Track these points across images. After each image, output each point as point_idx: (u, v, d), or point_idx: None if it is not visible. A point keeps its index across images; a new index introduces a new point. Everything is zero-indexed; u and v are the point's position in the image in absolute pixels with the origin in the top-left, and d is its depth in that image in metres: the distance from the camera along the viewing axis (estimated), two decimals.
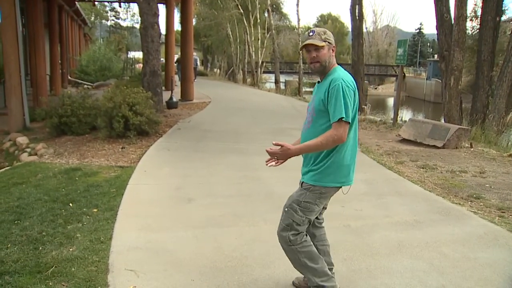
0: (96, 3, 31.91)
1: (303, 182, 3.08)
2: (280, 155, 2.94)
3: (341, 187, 3.06)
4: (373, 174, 7.00)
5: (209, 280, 3.50)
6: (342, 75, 2.92)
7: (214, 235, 4.43)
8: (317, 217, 3.25)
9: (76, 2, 23.93)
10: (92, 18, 50.71)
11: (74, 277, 3.47)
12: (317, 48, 2.96)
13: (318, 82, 3.12)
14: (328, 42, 2.99)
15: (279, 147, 2.91)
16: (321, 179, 2.98)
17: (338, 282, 3.39)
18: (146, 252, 3.97)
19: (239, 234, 4.45)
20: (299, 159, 3.14)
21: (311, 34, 3.01)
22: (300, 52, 28.56)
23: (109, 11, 60.20)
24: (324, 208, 3.28)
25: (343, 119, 2.81)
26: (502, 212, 5.41)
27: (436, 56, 50.52)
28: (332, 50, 3.03)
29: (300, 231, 3.05)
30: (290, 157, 2.96)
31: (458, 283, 3.59)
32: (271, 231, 4.53)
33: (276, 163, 3.03)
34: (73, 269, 3.61)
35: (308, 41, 2.98)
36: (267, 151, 2.96)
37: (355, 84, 2.96)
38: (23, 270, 3.57)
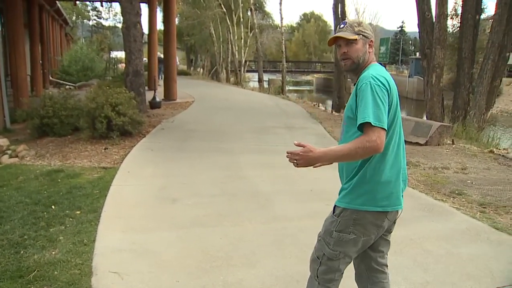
0: (77, 2, 31.50)
1: (335, 205, 2.49)
2: (301, 158, 2.29)
3: (384, 211, 2.39)
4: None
5: (194, 281, 3.48)
6: (372, 73, 2.34)
7: (199, 235, 4.41)
8: (375, 257, 2.61)
9: (57, 2, 23.62)
10: (74, 18, 50.12)
11: (57, 280, 3.43)
12: (348, 42, 2.43)
13: (354, 84, 2.48)
14: (363, 36, 2.45)
15: (301, 148, 2.31)
16: (352, 200, 2.39)
17: None
18: (130, 254, 3.94)
19: (224, 234, 4.43)
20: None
21: (341, 26, 2.50)
22: (284, 51, 28.82)
23: (90, 11, 59.65)
24: (387, 240, 2.65)
25: (371, 123, 2.19)
26: (483, 207, 5.49)
27: (418, 54, 51.02)
28: (369, 45, 2.49)
29: (332, 267, 2.49)
30: (312, 164, 2.33)
31: (441, 278, 3.63)
32: (256, 231, 4.56)
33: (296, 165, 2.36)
34: (55, 272, 3.57)
35: (337, 34, 2.47)
36: (287, 152, 2.33)
37: (391, 83, 2.36)
38: (3, 275, 3.51)
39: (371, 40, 2.50)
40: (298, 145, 2.31)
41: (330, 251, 2.45)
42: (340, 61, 2.51)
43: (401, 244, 4.26)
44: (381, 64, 2.58)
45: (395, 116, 2.37)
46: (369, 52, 2.48)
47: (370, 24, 69.27)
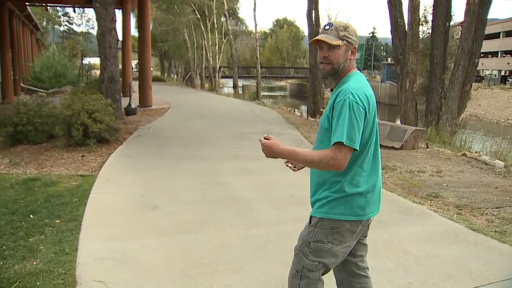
0: (48, 7, 31.06)
1: (311, 216, 2.49)
2: (265, 148, 2.38)
3: (359, 221, 2.44)
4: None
5: None
6: (352, 86, 2.31)
7: (182, 242, 4.40)
8: (355, 262, 2.65)
9: (28, 7, 23.24)
10: (44, 23, 49.39)
11: None
12: (331, 46, 2.35)
13: (331, 90, 2.49)
14: (347, 41, 2.37)
15: (264, 140, 2.39)
16: (330, 210, 2.41)
17: None
18: (114, 262, 3.90)
19: (207, 241, 4.43)
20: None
21: (327, 27, 2.40)
22: (258, 57, 28.97)
23: (61, 16, 58.89)
24: (364, 244, 2.70)
25: (343, 143, 2.21)
26: (460, 209, 5.61)
27: (389, 59, 51.95)
28: (352, 51, 2.41)
29: (313, 278, 2.48)
30: (275, 156, 2.40)
31: (423, 279, 3.70)
32: (238, 237, 4.57)
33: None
34: (38, 283, 3.51)
35: (320, 36, 2.37)
36: (260, 140, 2.41)
37: (370, 98, 2.34)
38: None
39: (355, 47, 2.42)
40: (266, 137, 2.39)
41: (309, 262, 2.45)
42: (320, 64, 2.45)
43: (382, 247, 4.33)
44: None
45: (371, 131, 2.37)
46: (350, 59, 2.41)
47: None
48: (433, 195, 6.20)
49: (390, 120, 18.61)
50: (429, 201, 5.95)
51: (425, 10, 26.17)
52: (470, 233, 4.76)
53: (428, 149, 9.57)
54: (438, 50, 13.51)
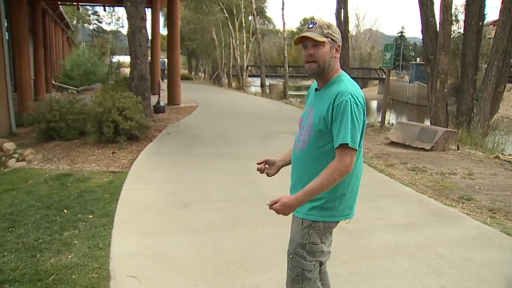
0: (79, 6, 31.60)
1: (302, 219, 2.48)
2: (281, 209, 2.35)
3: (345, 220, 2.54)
4: (364, 177, 7.01)
5: (212, 285, 3.51)
6: (351, 88, 2.32)
7: (213, 239, 4.43)
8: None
9: (60, 6, 23.69)
10: (75, 22, 50.29)
11: (76, 284, 3.45)
12: (316, 43, 2.34)
13: (316, 90, 2.52)
14: (331, 39, 2.36)
15: (274, 204, 2.36)
16: (324, 213, 2.44)
17: (340, 285, 3.43)
18: (147, 258, 3.96)
19: (238, 239, 4.45)
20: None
21: (310, 26, 2.38)
22: (285, 56, 28.89)
23: (91, 15, 59.91)
24: None
25: (348, 145, 2.26)
26: (493, 213, 5.51)
27: (418, 59, 51.21)
28: (336, 50, 2.40)
29: (313, 278, 2.53)
30: (294, 208, 2.39)
31: (457, 283, 3.65)
32: (269, 235, 4.58)
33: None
34: (74, 276, 3.58)
35: (304, 33, 2.36)
36: (272, 208, 2.40)
37: (364, 100, 2.38)
38: (22, 278, 3.53)
39: (339, 45, 2.41)
40: (271, 203, 2.36)
41: (307, 263, 2.48)
42: (305, 63, 2.42)
43: (414, 249, 4.29)
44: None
45: (363, 131, 2.40)
46: (335, 57, 2.40)
47: (370, 29, 69.73)
48: (465, 197, 6.09)
49: (418, 121, 18.36)
50: (461, 204, 5.86)
51: (456, 9, 25.63)
52: (505, 238, 4.66)
53: (459, 151, 9.41)
54: (470, 50, 13.27)
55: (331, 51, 2.37)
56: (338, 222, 2.51)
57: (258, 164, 2.79)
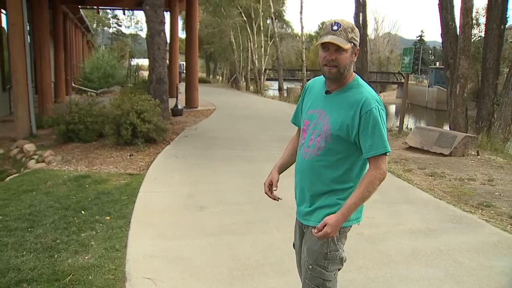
0: (99, 10, 31.98)
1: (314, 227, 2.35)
2: (332, 231, 2.26)
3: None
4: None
5: None
6: (373, 95, 2.28)
7: (229, 243, 4.43)
8: None
9: (81, 10, 24.03)
10: (94, 25, 50.94)
11: (92, 285, 3.48)
12: (339, 49, 2.22)
13: (327, 92, 2.38)
14: (354, 44, 2.26)
15: (322, 229, 2.27)
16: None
17: None
18: (162, 260, 3.97)
19: (254, 242, 4.45)
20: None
21: (335, 28, 2.23)
22: (303, 60, 28.88)
23: (111, 18, 60.65)
24: None
25: (386, 153, 2.26)
26: None
27: (438, 63, 50.73)
28: (355, 54, 2.31)
29: (334, 286, 2.45)
30: (340, 225, 2.29)
31: None
32: (284, 239, 4.54)
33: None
34: (90, 277, 3.61)
35: (330, 39, 2.21)
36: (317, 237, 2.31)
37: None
38: (40, 278, 3.57)
39: (358, 49, 2.33)
40: (318, 230, 2.27)
41: (328, 273, 2.39)
42: (323, 66, 2.30)
43: (431, 256, 4.23)
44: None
45: None
46: (353, 61, 2.33)
47: (389, 33, 69.21)
48: (485, 204, 6.00)
49: (437, 126, 18.17)
50: (480, 210, 5.77)
51: (477, 12, 25.32)
52: None
53: (478, 157, 9.27)
54: (492, 54, 13.07)
55: (351, 56, 2.28)
56: (351, 226, 2.45)
57: (267, 193, 2.71)
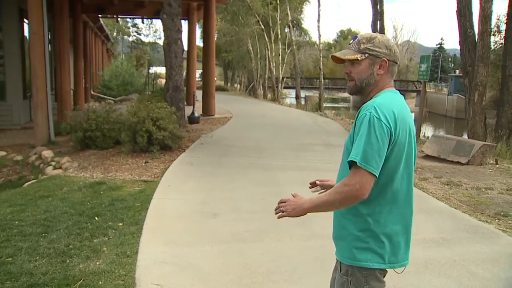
0: (119, 19, 32.42)
1: (340, 262, 2.14)
2: (290, 204, 2.09)
3: (391, 268, 2.12)
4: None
5: None
6: (377, 102, 2.01)
7: (240, 250, 4.43)
8: None
9: (100, 19, 24.39)
10: (115, 34, 51.65)
11: None
12: (353, 61, 2.11)
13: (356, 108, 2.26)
14: (371, 55, 2.08)
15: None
16: (355, 255, 2.06)
17: None
18: (173, 267, 3.99)
19: (265, 250, 4.44)
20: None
21: (351, 41, 2.17)
22: (321, 68, 28.80)
23: (131, 27, 61.45)
24: None
25: (357, 163, 1.91)
26: None
27: (457, 71, 50.19)
28: (381, 65, 2.09)
29: None
30: (300, 212, 2.07)
31: None
32: (297, 247, 4.54)
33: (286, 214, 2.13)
34: (100, 282, 3.64)
35: (336, 53, 2.17)
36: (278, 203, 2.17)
37: (399, 118, 1.99)
38: (51, 282, 3.61)
39: (384, 60, 2.09)
40: (276, 208, 2.14)
41: None
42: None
43: (444, 266, 4.17)
44: (400, 92, 2.21)
45: (402, 156, 2.02)
46: (379, 74, 2.09)
47: (409, 41, 68.79)
48: (502, 214, 5.89)
49: (457, 134, 17.96)
50: (497, 220, 5.67)
51: (498, 19, 25.00)
52: None
53: (497, 166, 9.13)
54: (511, 62, 12.90)
55: (370, 68, 2.08)
56: (382, 270, 2.09)
57: (311, 184, 2.53)
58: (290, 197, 2.13)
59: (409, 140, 2.05)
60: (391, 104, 2.01)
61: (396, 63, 2.15)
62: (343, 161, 2.13)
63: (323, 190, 2.44)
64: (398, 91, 2.17)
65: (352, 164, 1.94)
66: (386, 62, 2.09)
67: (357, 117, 2.02)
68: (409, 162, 2.08)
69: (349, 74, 2.14)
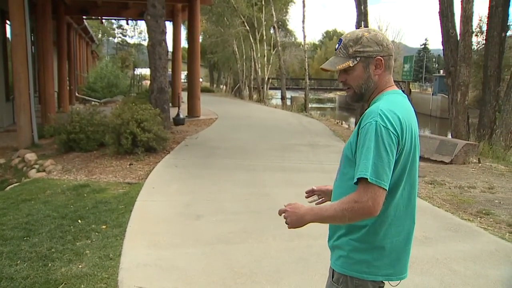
0: (103, 20, 32.22)
1: (333, 270, 2.02)
2: (290, 216, 1.98)
3: (388, 281, 2.00)
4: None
5: None
6: (382, 107, 1.83)
7: (224, 252, 4.42)
8: None
9: (84, 20, 24.21)
10: (100, 36, 51.30)
11: None
12: (346, 69, 1.96)
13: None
14: (362, 57, 1.93)
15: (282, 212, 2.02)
16: (350, 266, 1.95)
17: None
18: (156, 269, 3.97)
19: (248, 251, 4.44)
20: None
21: (336, 46, 2.00)
22: (306, 69, 28.88)
23: (116, 29, 61.09)
24: None
25: (367, 179, 1.74)
26: None
27: (441, 71, 50.66)
28: (376, 65, 1.94)
29: None
30: (300, 222, 1.97)
31: None
32: (280, 248, 4.55)
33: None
34: (82, 286, 3.62)
35: (323, 65, 2.02)
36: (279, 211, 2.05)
37: (405, 122, 1.84)
38: (33, 286, 3.58)
39: (378, 58, 1.93)
40: (280, 212, 2.03)
41: None
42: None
43: (427, 264, 4.20)
44: (403, 91, 2.09)
45: (406, 166, 1.88)
46: (376, 74, 1.95)
47: (393, 41, 69.21)
48: (484, 212, 5.97)
49: (441, 134, 18.14)
50: (479, 218, 5.74)
51: (480, 20, 25.33)
52: None
53: (480, 164, 9.23)
54: (493, 62, 13.05)
55: (366, 71, 1.94)
56: (376, 282, 1.96)
57: (307, 193, 2.38)
58: (287, 206, 2.01)
59: (413, 148, 1.90)
60: (396, 108, 1.85)
61: (392, 55, 1.99)
62: (341, 170, 2.01)
63: (321, 199, 2.34)
64: (401, 91, 2.03)
65: (360, 180, 1.78)
66: (381, 60, 1.94)
67: (360, 125, 1.86)
68: (412, 171, 1.92)
69: (345, 83, 2.00)
